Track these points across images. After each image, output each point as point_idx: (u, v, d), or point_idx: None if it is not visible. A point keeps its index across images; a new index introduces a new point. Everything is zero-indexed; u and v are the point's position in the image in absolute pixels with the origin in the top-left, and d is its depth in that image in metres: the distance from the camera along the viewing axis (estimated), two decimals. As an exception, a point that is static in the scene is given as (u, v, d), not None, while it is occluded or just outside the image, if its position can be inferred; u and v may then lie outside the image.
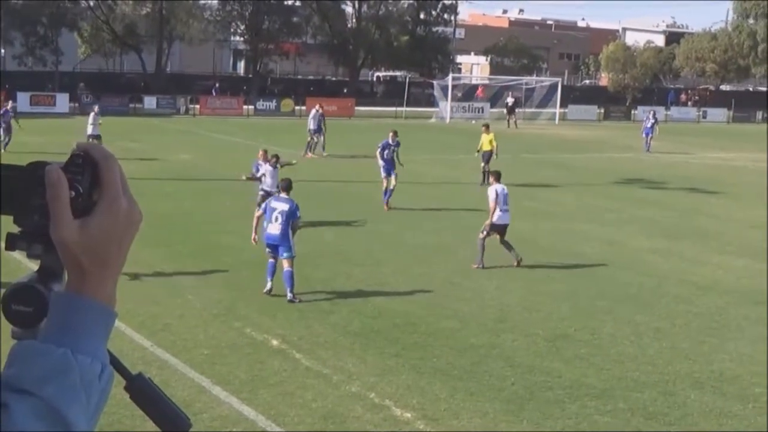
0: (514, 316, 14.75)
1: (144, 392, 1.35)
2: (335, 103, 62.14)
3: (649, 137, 45.83)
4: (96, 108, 35.01)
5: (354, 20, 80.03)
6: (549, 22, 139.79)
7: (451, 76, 66.79)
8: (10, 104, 35.17)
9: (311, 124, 37.94)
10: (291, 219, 15.23)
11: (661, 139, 53.05)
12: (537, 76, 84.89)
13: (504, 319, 14.52)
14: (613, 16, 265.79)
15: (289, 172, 30.38)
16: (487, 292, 16.15)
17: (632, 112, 73.24)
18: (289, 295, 14.93)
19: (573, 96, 78.13)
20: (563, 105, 67.63)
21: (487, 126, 31.49)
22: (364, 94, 76.56)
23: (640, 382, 11.85)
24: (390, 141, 26.35)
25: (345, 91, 75.94)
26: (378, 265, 17.91)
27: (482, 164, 29.93)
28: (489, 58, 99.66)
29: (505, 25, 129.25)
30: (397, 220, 23.08)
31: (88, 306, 1.29)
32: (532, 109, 65.06)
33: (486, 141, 30.47)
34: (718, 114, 76.44)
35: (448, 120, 60.02)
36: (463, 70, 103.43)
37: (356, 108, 61.87)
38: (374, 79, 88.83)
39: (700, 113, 77.00)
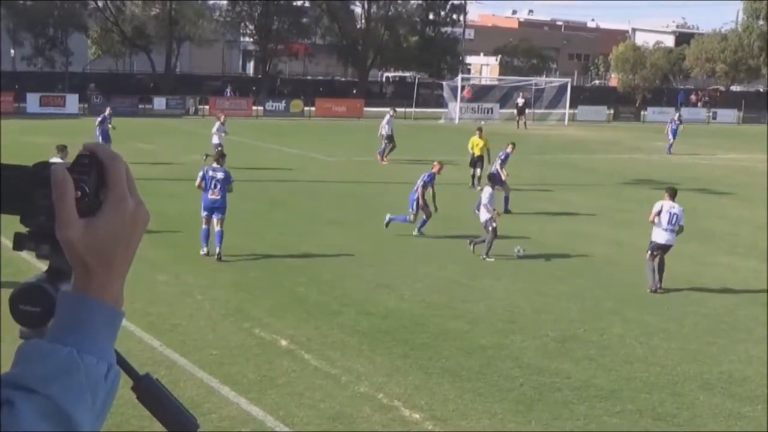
0: (523, 317, 14.74)
1: (151, 393, 1.36)
2: (344, 104, 62.22)
3: (673, 139, 45.89)
4: (108, 110, 34.58)
5: (363, 21, 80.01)
6: (559, 23, 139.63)
7: (460, 76, 66.74)
8: (108, 111, 34.10)
9: (386, 129, 36.66)
10: (226, 184, 17.75)
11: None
12: (546, 76, 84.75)
13: (513, 320, 14.51)
14: (622, 16, 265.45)
15: (294, 173, 30.44)
16: (495, 293, 16.14)
17: (642, 112, 73.06)
18: (218, 250, 17.45)
19: (583, 96, 77.92)
20: (573, 106, 67.48)
21: (480, 129, 30.55)
22: (373, 94, 76.56)
23: (648, 383, 11.83)
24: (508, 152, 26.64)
25: (354, 91, 75.95)
26: (386, 266, 17.91)
27: (471, 169, 29.24)
28: (499, 59, 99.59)
29: (515, 25, 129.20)
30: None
31: (95, 306, 1.30)
32: (542, 110, 64.93)
33: (476, 145, 29.47)
34: (729, 115, 76.18)
35: (457, 121, 59.95)
36: (472, 71, 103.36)
37: (365, 109, 61.84)
38: (383, 79, 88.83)
39: (710, 114, 76.74)
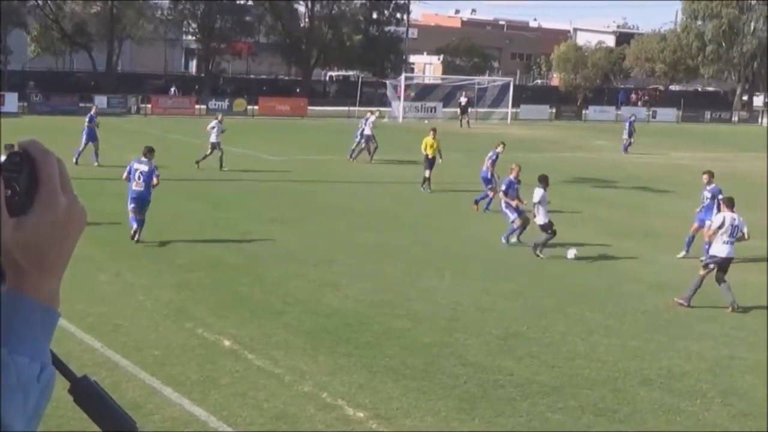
0: (467, 315, 14.81)
1: (88, 395, 1.34)
2: (288, 103, 62.02)
3: (629, 139, 46.56)
4: (94, 108, 34.05)
5: (306, 19, 79.79)
6: (501, 23, 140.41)
7: (403, 75, 66.85)
8: (94, 109, 33.77)
9: (367, 130, 36.77)
10: (150, 178, 18.73)
11: (611, 139, 53.52)
12: (489, 75, 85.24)
13: (457, 318, 14.57)
14: (564, 16, 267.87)
15: (239, 173, 30.28)
16: (439, 292, 16.19)
17: (583, 111, 73.81)
18: (138, 234, 18.86)
19: (525, 96, 78.51)
20: (515, 105, 67.96)
21: (434, 130, 29.98)
22: (317, 93, 76.44)
23: (590, 380, 11.95)
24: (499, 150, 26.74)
25: (298, 90, 75.76)
26: (331, 265, 17.90)
27: (426, 171, 28.68)
28: (441, 58, 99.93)
29: (458, 25, 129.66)
30: (350, 220, 23.07)
31: (28, 306, 1.28)
32: (485, 109, 65.29)
33: (430, 146, 28.98)
34: (668, 114, 77.23)
35: (401, 120, 60.06)
36: (415, 70, 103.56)
37: (309, 108, 61.70)
38: (327, 78, 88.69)
39: (650, 113, 77.72)
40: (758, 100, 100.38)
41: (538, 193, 19.86)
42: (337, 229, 21.68)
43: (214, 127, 31.67)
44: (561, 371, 12.24)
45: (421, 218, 23.82)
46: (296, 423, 10.08)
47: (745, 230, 16.30)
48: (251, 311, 14.36)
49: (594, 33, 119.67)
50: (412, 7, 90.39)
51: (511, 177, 21.33)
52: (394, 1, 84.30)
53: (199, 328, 13.31)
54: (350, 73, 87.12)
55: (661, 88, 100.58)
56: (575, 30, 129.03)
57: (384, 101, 65.61)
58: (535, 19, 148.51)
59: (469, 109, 60.62)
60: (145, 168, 18.80)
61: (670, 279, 18.22)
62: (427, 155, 28.91)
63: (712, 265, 16.24)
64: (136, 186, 18.76)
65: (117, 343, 12.39)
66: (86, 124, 32.06)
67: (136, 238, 18.83)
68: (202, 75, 78.11)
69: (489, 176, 25.91)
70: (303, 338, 13.09)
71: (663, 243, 21.63)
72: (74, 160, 29.84)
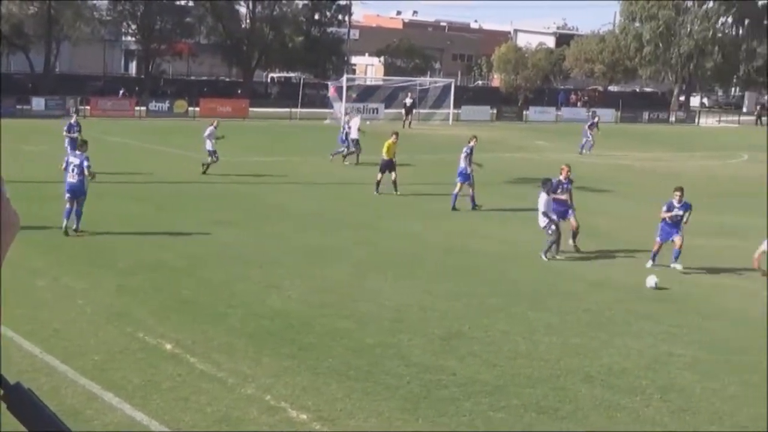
0: (410, 316, 14.85)
1: (22, 402, 1.33)
2: (229, 104, 61.60)
3: (589, 139, 47.29)
4: (74, 117, 32.88)
5: (248, 20, 79.40)
6: (442, 24, 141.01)
7: (345, 77, 66.77)
8: (74, 118, 32.44)
9: (354, 134, 37.10)
10: (82, 169, 19.62)
11: (552, 140, 54.06)
12: (431, 77, 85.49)
13: (400, 319, 14.60)
14: (504, 17, 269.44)
15: (182, 175, 30.06)
16: (383, 292, 16.22)
17: (524, 112, 74.35)
18: (75, 225, 19.55)
19: (466, 97, 78.88)
20: (457, 106, 68.22)
21: (396, 134, 29.50)
22: (259, 95, 76.06)
23: (532, 378, 12.05)
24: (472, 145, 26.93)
25: (239, 92, 75.37)
26: (274, 267, 17.84)
27: (380, 174, 28.35)
28: (383, 59, 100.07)
29: (399, 26, 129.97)
30: (293, 222, 23.02)
31: None
32: (426, 110, 65.43)
33: (390, 149, 28.60)
34: (607, 114, 77.97)
35: (343, 121, 59.96)
36: (357, 71, 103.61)
37: (251, 109, 61.39)
38: (269, 80, 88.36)
39: (590, 113, 78.47)
40: (695, 101, 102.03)
41: (542, 199, 20.08)
42: (282, 231, 21.61)
43: (210, 134, 31.23)
44: (503, 370, 12.33)
45: (367, 220, 23.85)
46: (239, 426, 10.04)
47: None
48: (193, 314, 14.25)
49: (534, 34, 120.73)
50: (354, 8, 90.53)
51: (561, 177, 21.33)
52: (335, 3, 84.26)
53: (140, 332, 13.18)
54: (292, 74, 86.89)
55: (601, 88, 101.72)
56: (516, 31, 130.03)
57: (326, 102, 65.50)
58: (476, 21, 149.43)
59: (414, 111, 60.85)
60: (77, 161, 19.84)
61: (610, 277, 18.46)
62: (385, 158, 28.57)
63: None
64: (71, 178, 19.78)
65: (57, 349, 12.22)
66: (65, 134, 30.46)
67: (70, 232, 19.47)
68: (142, 76, 77.38)
69: (467, 172, 26.26)
70: (246, 341, 13.03)
71: (604, 242, 21.86)
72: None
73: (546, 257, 19.70)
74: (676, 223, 19.09)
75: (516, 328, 14.41)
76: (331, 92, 65.91)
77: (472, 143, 27.15)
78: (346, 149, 37.20)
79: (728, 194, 33.13)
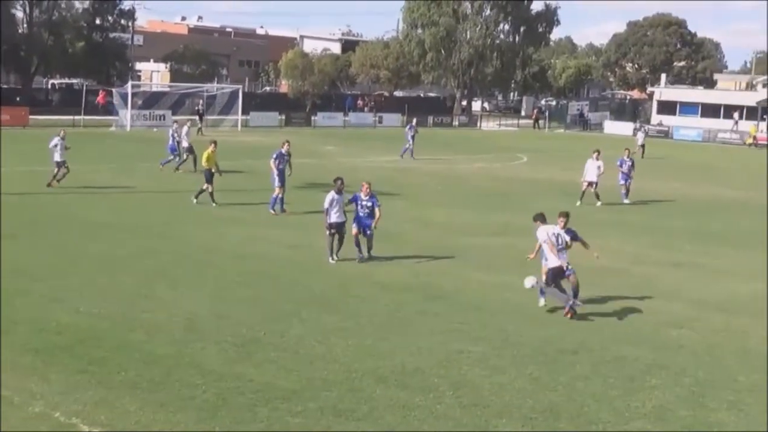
0: (203, 324, 14.70)
1: None
2: (8, 112, 58.87)
3: (412, 143, 48.59)
4: (62, 132, 31.58)
5: (25, 25, 76.33)
6: (228, 30, 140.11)
7: (130, 83, 65.29)
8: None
9: (185, 142, 36.74)
10: None
11: (340, 144, 54.67)
12: (218, 83, 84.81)
13: (193, 328, 14.43)
14: (290, 24, 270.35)
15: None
16: (174, 302, 15.98)
17: (312, 118, 74.82)
18: None
19: (254, 103, 78.76)
20: (245, 112, 68.03)
21: (214, 143, 28.78)
22: (39, 102, 73.22)
23: (328, 381, 12.17)
24: (284, 151, 27.27)
25: (18, 99, 72.32)
26: (61, 279, 17.27)
27: (205, 185, 27.62)
28: (169, 65, 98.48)
29: (185, 31, 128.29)
30: (78, 231, 22.35)
31: None
32: (215, 116, 64.88)
33: (207, 158, 27.96)
34: (393, 119, 79.67)
35: (129, 128, 58.69)
36: (142, 77, 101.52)
37: (31, 117, 59.04)
38: (49, 86, 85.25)
39: (377, 118, 79.97)
40: (477, 105, 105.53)
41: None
42: (67, 242, 20.94)
43: (56, 145, 29.90)
44: (300, 374, 12.39)
45: (152, 226, 23.43)
46: (28, 446, 9.67)
47: (567, 238, 16.84)
48: (-26, 332, 13.59)
49: (320, 40, 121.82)
50: (137, 13, 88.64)
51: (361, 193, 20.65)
52: (118, 7, 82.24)
53: None
54: (74, 80, 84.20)
55: (386, 93, 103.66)
56: (302, 37, 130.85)
57: (110, 109, 63.86)
58: (261, 27, 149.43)
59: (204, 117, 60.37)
60: None
61: (399, 280, 18.84)
62: (207, 168, 27.91)
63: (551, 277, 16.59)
64: None
65: None
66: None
67: None
68: None
69: (275, 176, 26.90)
70: (32, 357, 12.56)
71: (392, 244, 22.27)
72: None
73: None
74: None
75: (310, 332, 14.51)
76: (99, 99, 64.69)
77: (285, 148, 27.73)
78: (178, 158, 36.77)
79: (511, 194, 34.47)
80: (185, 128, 37.44)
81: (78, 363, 12.38)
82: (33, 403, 10.84)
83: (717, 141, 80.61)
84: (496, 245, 23.07)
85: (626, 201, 33.33)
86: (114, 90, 65.21)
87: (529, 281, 16.64)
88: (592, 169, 32.32)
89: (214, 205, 27.24)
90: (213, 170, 27.94)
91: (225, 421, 10.63)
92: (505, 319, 16.02)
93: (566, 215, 17.23)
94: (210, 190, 27.64)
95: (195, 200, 27.63)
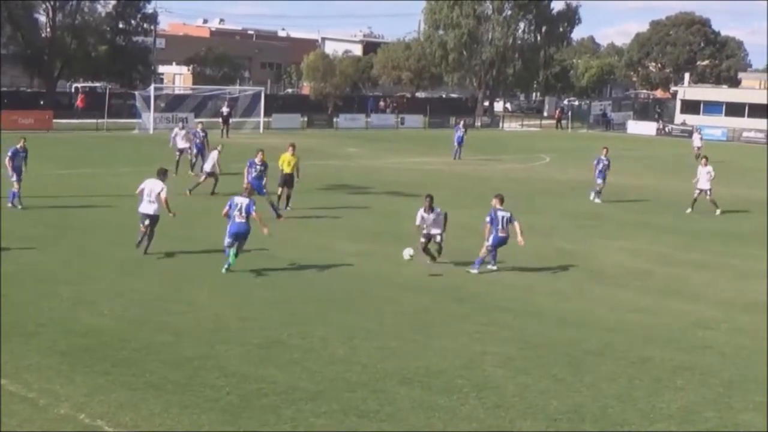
0: (228, 326, 14.73)
1: None
2: (32, 116, 59.34)
3: (460, 146, 48.98)
4: (23, 141, 28.59)
5: (48, 29, 76.79)
6: (250, 32, 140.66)
7: (153, 86, 65.58)
8: (22, 142, 28.30)
9: (180, 144, 36.33)
10: None
11: (362, 146, 54.69)
12: (240, 85, 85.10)
13: (218, 330, 14.46)
14: (312, 26, 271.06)
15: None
16: (200, 304, 16.02)
17: (334, 119, 74.93)
18: None
19: (276, 105, 78.92)
20: (267, 114, 68.18)
21: (293, 146, 28.11)
22: (63, 106, 73.66)
23: (351, 382, 12.16)
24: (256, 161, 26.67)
25: (42, 103, 72.77)
26: (86, 282, 17.34)
27: (280, 189, 27.22)
28: (191, 68, 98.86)
29: (206, 34, 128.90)
30: (104, 235, 22.44)
31: None
32: (237, 119, 65.06)
33: (287, 162, 27.39)
34: (415, 120, 79.69)
35: (152, 131, 58.95)
36: (165, 80, 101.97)
37: (55, 120, 59.41)
38: (73, 90, 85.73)
39: (399, 120, 80.00)
40: (499, 106, 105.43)
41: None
42: (93, 246, 21.03)
43: (184, 135, 30.32)
44: (323, 376, 12.39)
45: (178, 229, 23.49)
46: (54, 448, 9.71)
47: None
48: (1, 335, 13.67)
49: (341, 42, 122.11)
50: (160, 17, 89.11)
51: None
52: (141, 12, 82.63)
53: (-57, 355, 12.55)
54: (97, 84, 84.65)
55: (408, 95, 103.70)
56: (323, 39, 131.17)
57: (134, 113, 64.16)
58: (283, 29, 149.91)
59: (231, 120, 60.30)
60: None
61: (423, 281, 18.82)
62: (283, 171, 27.38)
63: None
64: None
65: None
66: (9, 159, 26.78)
67: None
68: (-65, 88, 73.77)
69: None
70: (58, 359, 12.61)
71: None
72: (10, 204, 25.78)
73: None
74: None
75: (334, 334, 14.50)
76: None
77: (258, 157, 26.87)
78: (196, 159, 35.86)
79: (534, 194, 34.35)
80: (182, 132, 36.90)
81: (103, 365, 12.42)
82: (58, 405, 10.88)
83: (742, 140, 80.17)
84: (519, 247, 22.97)
85: (597, 200, 32.61)
86: (137, 93, 65.50)
87: (407, 252, 19.28)
88: (703, 176, 31.79)
89: (286, 209, 26.74)
90: (293, 174, 27.27)
91: (249, 422, 10.63)
92: (530, 321, 15.98)
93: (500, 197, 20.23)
94: (283, 192, 27.12)
95: (287, 208, 27.08)
